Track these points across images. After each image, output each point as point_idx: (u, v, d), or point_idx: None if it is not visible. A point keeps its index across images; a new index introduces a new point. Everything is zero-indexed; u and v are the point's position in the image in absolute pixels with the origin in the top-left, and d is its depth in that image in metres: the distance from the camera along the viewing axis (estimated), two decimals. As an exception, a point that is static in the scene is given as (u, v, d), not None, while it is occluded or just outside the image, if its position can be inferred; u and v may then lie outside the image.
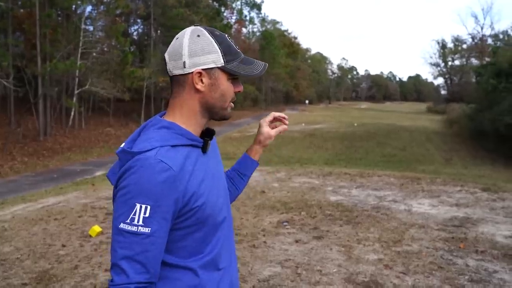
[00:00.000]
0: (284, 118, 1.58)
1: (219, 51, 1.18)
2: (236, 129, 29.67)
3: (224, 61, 1.18)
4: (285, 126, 1.57)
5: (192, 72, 1.17)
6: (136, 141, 1.16)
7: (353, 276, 3.83)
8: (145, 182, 1.07)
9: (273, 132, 1.54)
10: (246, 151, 1.60)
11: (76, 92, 24.18)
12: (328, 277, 3.80)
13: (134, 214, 1.06)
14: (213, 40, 1.18)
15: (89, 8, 26.81)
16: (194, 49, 1.17)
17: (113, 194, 1.14)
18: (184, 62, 1.17)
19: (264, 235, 5.06)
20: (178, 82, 1.20)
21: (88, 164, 16.81)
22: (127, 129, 26.75)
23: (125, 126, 27.78)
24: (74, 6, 24.91)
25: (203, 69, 1.17)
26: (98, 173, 14.08)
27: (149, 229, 1.06)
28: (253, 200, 6.97)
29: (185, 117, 1.21)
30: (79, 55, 23.63)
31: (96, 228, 5.23)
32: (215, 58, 1.17)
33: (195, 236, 1.17)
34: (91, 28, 27.36)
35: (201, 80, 1.19)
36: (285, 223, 5.58)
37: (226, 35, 1.23)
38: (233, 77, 1.21)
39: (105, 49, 27.44)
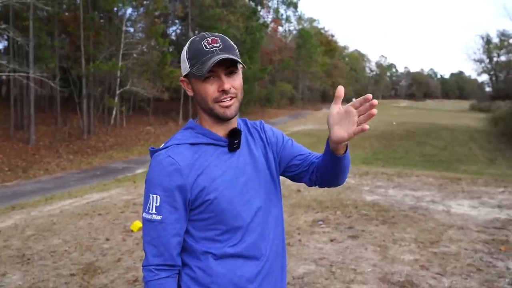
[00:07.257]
0: (370, 103, 1.10)
1: (186, 57, 1.26)
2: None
3: (189, 66, 1.24)
4: (366, 126, 1.09)
5: None
6: None
7: (388, 275, 3.83)
8: (155, 175, 1.22)
9: (345, 134, 1.13)
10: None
11: (117, 92, 24.95)
12: (363, 276, 3.82)
13: (149, 204, 1.23)
14: (186, 48, 1.27)
15: (129, 10, 27.66)
16: (180, 59, 1.31)
17: None
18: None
19: (299, 234, 5.12)
20: None
21: (129, 162, 17.33)
22: (166, 128, 27.36)
23: (164, 125, 28.40)
24: (115, 9, 25.74)
25: (184, 76, 1.30)
26: (139, 171, 14.50)
27: (160, 216, 1.22)
28: (289, 198, 7.03)
29: (204, 119, 1.32)
30: (120, 56, 24.38)
31: (138, 224, 5.46)
32: (185, 65, 1.27)
33: (216, 227, 1.26)
34: (131, 29, 28.15)
35: (187, 86, 1.31)
36: (320, 222, 5.61)
37: (208, 36, 1.23)
38: (205, 77, 1.21)
39: (145, 50, 28.14)
